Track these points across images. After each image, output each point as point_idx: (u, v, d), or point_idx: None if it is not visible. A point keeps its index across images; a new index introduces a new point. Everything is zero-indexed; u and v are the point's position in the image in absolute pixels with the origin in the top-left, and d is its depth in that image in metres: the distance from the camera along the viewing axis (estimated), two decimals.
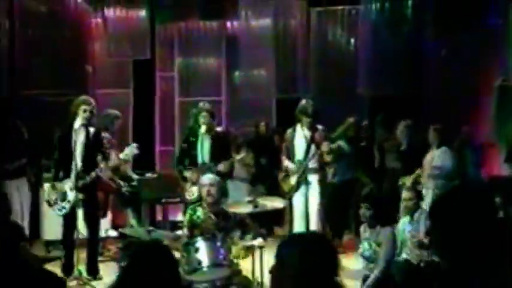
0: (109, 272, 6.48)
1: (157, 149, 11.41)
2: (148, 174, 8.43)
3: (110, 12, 11.31)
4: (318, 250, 2.70)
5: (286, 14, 10.67)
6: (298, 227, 7.24)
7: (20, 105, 10.46)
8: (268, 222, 8.59)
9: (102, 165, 6.70)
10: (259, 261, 5.30)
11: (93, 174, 6.59)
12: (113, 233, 8.41)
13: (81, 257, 6.79)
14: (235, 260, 5.20)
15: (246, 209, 5.42)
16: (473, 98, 9.79)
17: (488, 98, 9.64)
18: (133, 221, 8.02)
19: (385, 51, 9.61)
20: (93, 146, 6.72)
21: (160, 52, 11.53)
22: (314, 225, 7.17)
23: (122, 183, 8.08)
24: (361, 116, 9.62)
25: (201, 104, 7.59)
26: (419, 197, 6.16)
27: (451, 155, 7.69)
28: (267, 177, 8.86)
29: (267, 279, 5.36)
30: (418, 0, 9.78)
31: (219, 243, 4.96)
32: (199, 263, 4.88)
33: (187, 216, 5.80)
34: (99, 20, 11.49)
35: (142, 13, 11.16)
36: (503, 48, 9.47)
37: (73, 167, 6.54)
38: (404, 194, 6.07)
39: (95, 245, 6.93)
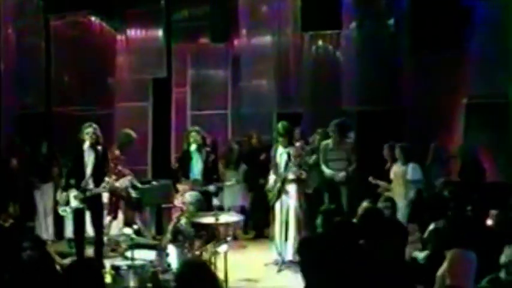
0: None
1: (172, 157, 12.05)
2: (154, 183, 9.08)
3: (131, 32, 11.98)
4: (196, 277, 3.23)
5: (281, 37, 11.17)
6: (278, 231, 7.83)
7: (53, 120, 11.37)
8: (259, 224, 9.26)
9: (107, 178, 7.41)
10: (224, 263, 5.88)
11: (100, 189, 7.36)
12: (128, 231, 9.13)
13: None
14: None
15: (210, 220, 6.02)
16: (446, 113, 10.20)
17: (459, 114, 10.07)
18: (138, 223, 8.69)
19: (366, 70, 10.15)
20: (101, 163, 7.48)
21: (175, 69, 12.15)
22: (292, 230, 7.74)
23: (131, 190, 8.74)
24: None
25: (190, 128, 8.28)
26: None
27: (420, 169, 8.09)
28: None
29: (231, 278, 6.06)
30: (396, 22, 10.27)
31: (185, 250, 5.59)
32: (169, 265, 5.53)
33: (172, 224, 6.47)
34: (122, 40, 12.16)
35: (160, 33, 11.77)
36: (472, 67, 9.86)
37: (83, 182, 7.32)
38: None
39: (99, 243, 7.61)
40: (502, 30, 9.72)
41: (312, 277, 3.33)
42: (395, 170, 8.26)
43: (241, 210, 9.94)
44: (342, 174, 8.37)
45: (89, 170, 7.39)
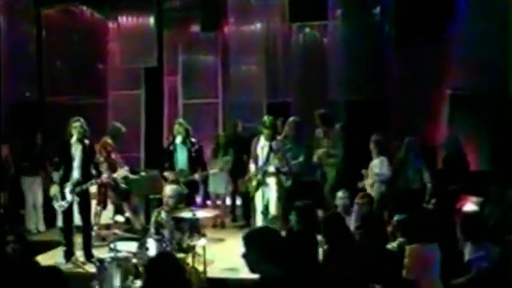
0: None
1: (165, 146, 12.38)
2: (142, 173, 9.44)
3: (122, 20, 12.23)
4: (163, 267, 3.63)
5: (269, 26, 11.47)
6: (259, 221, 8.21)
7: (46, 109, 11.68)
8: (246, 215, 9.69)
9: (94, 171, 7.78)
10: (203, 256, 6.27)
11: (88, 184, 7.77)
12: (120, 218, 9.56)
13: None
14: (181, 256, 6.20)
15: (187, 215, 6.39)
16: (431, 103, 10.48)
17: (442, 105, 10.36)
18: (128, 212, 9.08)
19: (351, 61, 10.43)
20: (88, 157, 7.80)
21: (166, 58, 12.41)
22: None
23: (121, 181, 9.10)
24: (338, 119, 10.46)
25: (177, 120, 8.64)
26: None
27: (388, 163, 8.38)
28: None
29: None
30: (381, 12, 10.56)
31: (164, 244, 5.97)
32: (149, 258, 5.89)
33: (153, 217, 6.84)
34: (114, 28, 12.44)
35: (151, 21, 11.95)
36: (456, 59, 10.12)
37: (72, 175, 7.64)
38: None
39: (88, 233, 8.01)
40: (484, 20, 9.90)
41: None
42: (370, 165, 8.53)
43: (232, 198, 10.37)
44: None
45: (76, 164, 7.71)
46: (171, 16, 12.20)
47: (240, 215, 10.36)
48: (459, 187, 8.06)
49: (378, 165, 8.30)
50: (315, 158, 8.88)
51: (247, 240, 3.61)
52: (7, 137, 9.96)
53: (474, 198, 8.67)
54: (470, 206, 8.93)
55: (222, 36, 12.23)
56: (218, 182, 9.77)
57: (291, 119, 8.72)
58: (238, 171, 9.96)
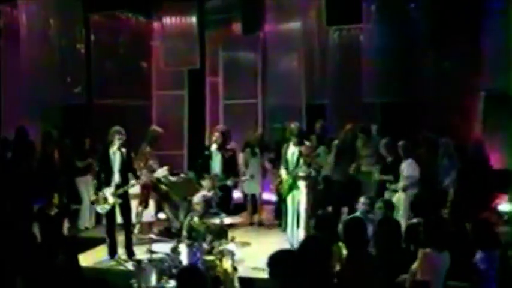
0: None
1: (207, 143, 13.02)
2: (182, 175, 10.10)
3: (166, 21, 12.91)
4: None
5: (306, 29, 11.94)
6: (290, 222, 8.77)
7: (93, 111, 12.51)
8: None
9: (133, 181, 8.51)
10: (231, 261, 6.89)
11: (129, 186, 8.48)
12: (162, 216, 10.29)
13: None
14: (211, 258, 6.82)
15: (217, 220, 7.02)
16: (463, 103, 10.78)
17: (477, 104, 10.64)
18: (168, 212, 9.79)
19: (386, 63, 10.83)
20: (127, 164, 8.52)
21: (208, 58, 13.05)
22: (302, 222, 8.65)
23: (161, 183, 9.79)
24: (371, 121, 10.92)
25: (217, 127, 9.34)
26: None
27: (415, 165, 8.77)
28: None
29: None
30: (415, 14, 10.91)
31: (195, 249, 6.61)
32: (180, 262, 6.57)
33: (186, 221, 7.49)
34: (158, 30, 13.14)
35: (194, 21, 12.71)
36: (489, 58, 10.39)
37: (113, 180, 8.38)
38: None
39: (129, 232, 8.68)
40: None
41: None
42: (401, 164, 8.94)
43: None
44: None
45: (116, 169, 8.42)
46: (212, 17, 12.82)
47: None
48: (482, 193, 8.36)
49: (406, 168, 8.71)
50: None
51: (271, 265, 4.15)
52: (58, 139, 10.67)
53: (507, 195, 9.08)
54: (505, 204, 9.34)
55: (262, 36, 12.69)
56: (252, 183, 10.37)
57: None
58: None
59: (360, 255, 5.51)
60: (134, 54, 13.00)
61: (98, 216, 10.47)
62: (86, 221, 10.69)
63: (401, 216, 8.14)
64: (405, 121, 10.89)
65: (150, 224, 10.12)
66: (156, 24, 13.12)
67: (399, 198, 8.71)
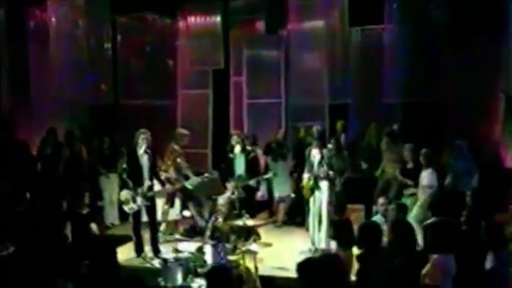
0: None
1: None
2: (207, 174, 10.43)
3: (190, 22, 13.27)
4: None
5: (329, 30, 12.19)
6: (312, 223, 9.06)
7: (120, 111, 12.91)
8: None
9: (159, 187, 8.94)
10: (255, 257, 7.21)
11: (153, 193, 8.85)
12: (187, 213, 10.64)
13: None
14: (235, 257, 7.15)
15: (240, 221, 7.35)
16: (484, 104, 10.93)
17: (497, 105, 10.80)
18: (193, 210, 10.14)
19: (408, 63, 11.12)
20: (153, 165, 8.90)
21: (232, 58, 13.34)
22: (324, 222, 8.92)
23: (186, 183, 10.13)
24: (393, 121, 11.09)
25: (232, 131, 9.59)
26: None
27: (436, 174, 8.85)
28: None
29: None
30: (436, 16, 11.14)
31: (219, 249, 6.94)
32: (205, 261, 6.90)
33: (211, 222, 7.83)
34: (183, 30, 13.46)
35: (218, 21, 13.04)
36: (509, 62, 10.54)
37: (142, 181, 8.74)
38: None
39: (155, 231, 9.04)
40: None
41: None
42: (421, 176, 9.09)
43: None
44: None
45: (145, 171, 8.78)
46: (236, 17, 13.12)
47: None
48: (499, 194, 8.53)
49: (426, 177, 8.81)
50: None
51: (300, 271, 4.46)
52: (84, 138, 11.07)
53: None
54: None
55: (285, 35, 12.90)
56: (282, 186, 10.71)
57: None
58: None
59: (376, 256, 5.76)
60: (160, 54, 13.36)
61: (122, 213, 10.90)
62: (111, 218, 11.07)
63: (412, 219, 8.30)
64: (426, 121, 11.08)
65: (175, 222, 10.51)
66: (181, 25, 13.41)
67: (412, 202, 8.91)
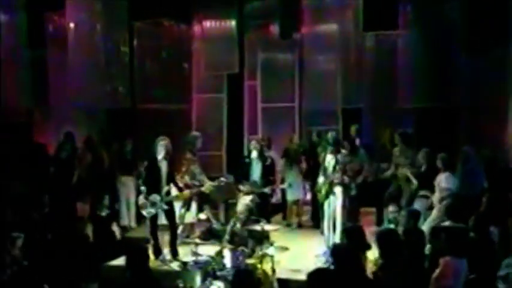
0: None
1: (245, 145, 13.39)
2: (222, 178, 10.68)
3: (206, 26, 13.61)
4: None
5: (343, 33, 12.45)
6: (327, 226, 9.30)
7: (137, 114, 13.20)
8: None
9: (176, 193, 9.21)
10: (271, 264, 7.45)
11: (171, 198, 9.13)
12: (203, 216, 10.89)
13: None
14: (252, 261, 7.40)
15: (258, 227, 7.62)
16: (497, 109, 11.15)
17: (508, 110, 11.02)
18: (208, 213, 10.40)
19: (421, 68, 11.37)
20: (171, 171, 9.18)
21: (247, 62, 13.63)
22: (338, 226, 9.16)
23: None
24: (406, 126, 11.36)
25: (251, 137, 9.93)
26: None
27: (454, 179, 9.05)
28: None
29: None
30: (451, 22, 11.35)
31: (238, 253, 7.20)
32: (224, 265, 7.17)
33: (229, 227, 8.09)
34: (198, 34, 13.78)
35: (233, 25, 13.35)
36: None
37: (161, 187, 9.00)
38: None
39: (174, 234, 9.30)
40: None
41: None
42: (437, 179, 9.28)
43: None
44: None
45: (163, 177, 9.03)
46: (250, 21, 13.40)
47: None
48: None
49: (444, 180, 9.01)
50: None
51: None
52: (103, 143, 11.36)
53: None
54: None
55: (299, 38, 13.20)
56: (294, 190, 11.00)
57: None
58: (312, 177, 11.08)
59: (394, 264, 5.97)
60: (176, 58, 13.65)
61: (139, 216, 11.19)
62: (126, 219, 11.34)
63: (429, 223, 8.52)
64: (440, 126, 11.29)
65: (192, 225, 10.75)
66: (196, 29, 13.71)
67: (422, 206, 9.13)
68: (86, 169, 11.02)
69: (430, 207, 9.26)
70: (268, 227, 7.74)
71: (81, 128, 12.30)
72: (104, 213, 9.78)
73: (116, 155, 11.47)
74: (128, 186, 11.29)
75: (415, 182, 9.61)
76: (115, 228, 9.68)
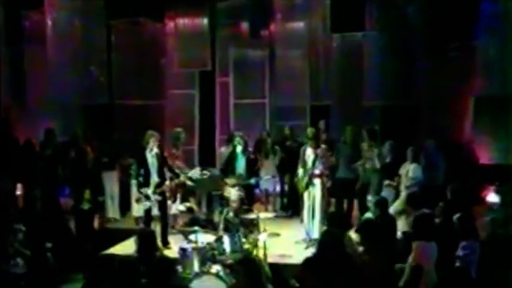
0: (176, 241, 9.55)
1: (217, 145, 14.50)
2: (204, 172, 11.56)
3: (178, 24, 14.42)
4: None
5: (311, 32, 13.52)
6: (306, 215, 10.31)
7: (115, 111, 13.90)
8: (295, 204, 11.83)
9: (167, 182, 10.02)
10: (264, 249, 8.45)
11: (166, 186, 9.96)
12: (182, 208, 11.75)
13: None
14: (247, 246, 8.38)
15: (250, 215, 8.68)
16: (456, 107, 12.45)
17: (468, 107, 12.30)
18: (193, 205, 11.30)
19: (386, 68, 12.55)
20: (163, 164, 10.01)
21: (219, 59, 14.55)
22: (317, 215, 10.18)
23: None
24: (372, 122, 12.44)
25: (235, 133, 10.93)
26: None
27: (420, 168, 10.31)
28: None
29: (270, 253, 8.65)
30: (414, 25, 12.57)
31: (236, 238, 8.16)
32: (224, 250, 8.11)
33: (222, 215, 9.05)
34: (171, 33, 14.59)
35: (205, 23, 14.22)
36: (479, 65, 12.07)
37: (151, 180, 9.83)
38: None
39: (165, 223, 10.14)
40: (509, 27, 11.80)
41: None
42: (403, 170, 10.46)
43: (281, 192, 12.53)
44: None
45: (154, 169, 9.82)
46: (222, 19, 14.27)
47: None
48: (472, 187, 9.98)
49: (412, 170, 10.25)
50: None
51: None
52: (87, 138, 12.03)
53: (493, 187, 10.71)
54: (492, 195, 10.94)
55: (268, 35, 14.16)
56: (268, 181, 12.09)
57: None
58: (285, 169, 12.16)
59: (376, 251, 7.00)
60: (151, 56, 14.33)
61: (123, 208, 11.97)
62: (110, 212, 12.11)
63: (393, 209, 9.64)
64: (403, 123, 12.48)
65: (174, 216, 11.60)
66: (169, 27, 14.46)
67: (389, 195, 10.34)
68: (69, 164, 11.63)
69: (397, 195, 10.49)
70: (263, 215, 8.72)
71: (58, 124, 12.94)
72: (86, 207, 10.36)
73: (97, 150, 12.15)
74: (111, 180, 12.03)
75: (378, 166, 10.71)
76: (95, 221, 10.33)
